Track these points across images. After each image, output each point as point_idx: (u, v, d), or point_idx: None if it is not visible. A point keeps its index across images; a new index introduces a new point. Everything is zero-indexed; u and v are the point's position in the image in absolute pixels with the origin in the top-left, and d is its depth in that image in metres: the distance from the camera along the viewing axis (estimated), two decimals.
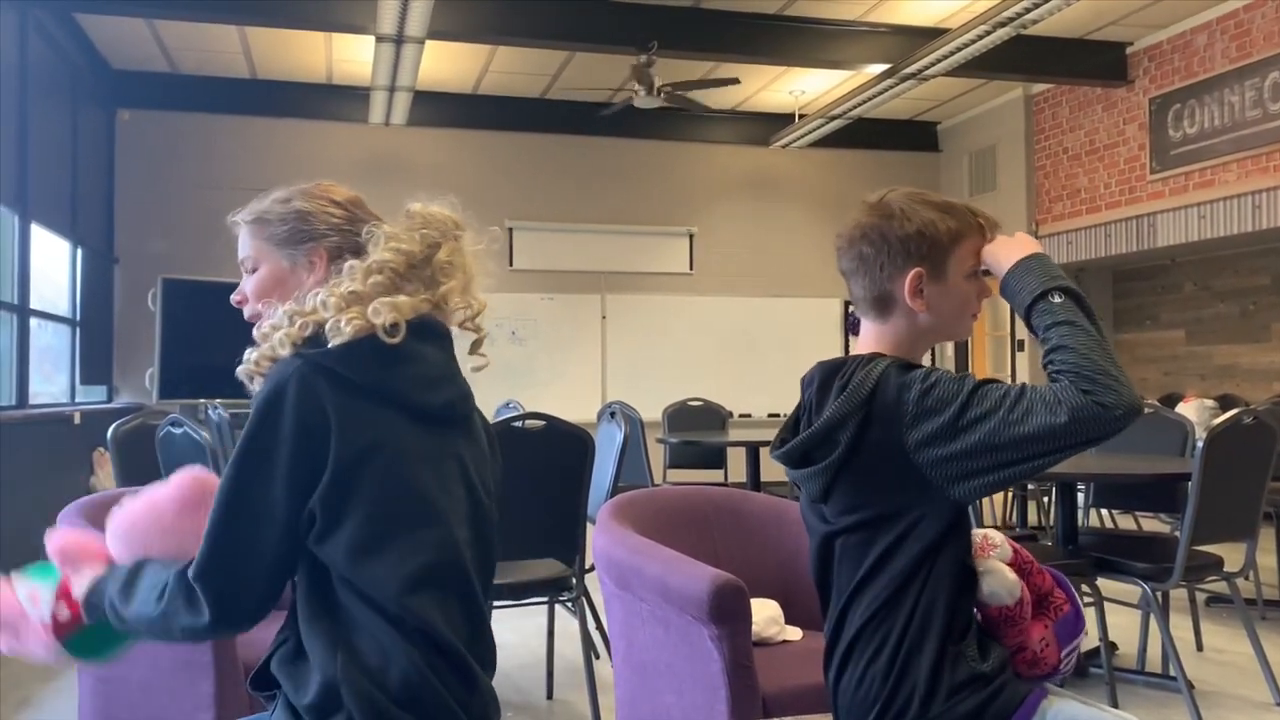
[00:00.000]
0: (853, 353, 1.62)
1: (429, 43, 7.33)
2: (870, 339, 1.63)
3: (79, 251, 7.81)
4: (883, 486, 1.49)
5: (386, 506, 1.30)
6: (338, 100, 9.25)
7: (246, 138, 9.01)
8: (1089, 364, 1.37)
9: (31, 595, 1.40)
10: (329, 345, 1.33)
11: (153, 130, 8.97)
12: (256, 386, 1.35)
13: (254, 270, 1.49)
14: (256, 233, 1.49)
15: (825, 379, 1.58)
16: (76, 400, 7.69)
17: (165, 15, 7.31)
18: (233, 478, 1.29)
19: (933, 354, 10.42)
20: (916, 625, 1.48)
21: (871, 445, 1.48)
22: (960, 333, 1.65)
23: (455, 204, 1.50)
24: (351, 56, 8.42)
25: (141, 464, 3.91)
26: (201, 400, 6.94)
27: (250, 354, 1.38)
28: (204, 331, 7.67)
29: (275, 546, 1.29)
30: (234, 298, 1.51)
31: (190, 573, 1.29)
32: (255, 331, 1.42)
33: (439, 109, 9.39)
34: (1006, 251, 1.55)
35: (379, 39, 7.16)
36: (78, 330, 7.80)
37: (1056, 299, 1.45)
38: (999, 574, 1.56)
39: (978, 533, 1.60)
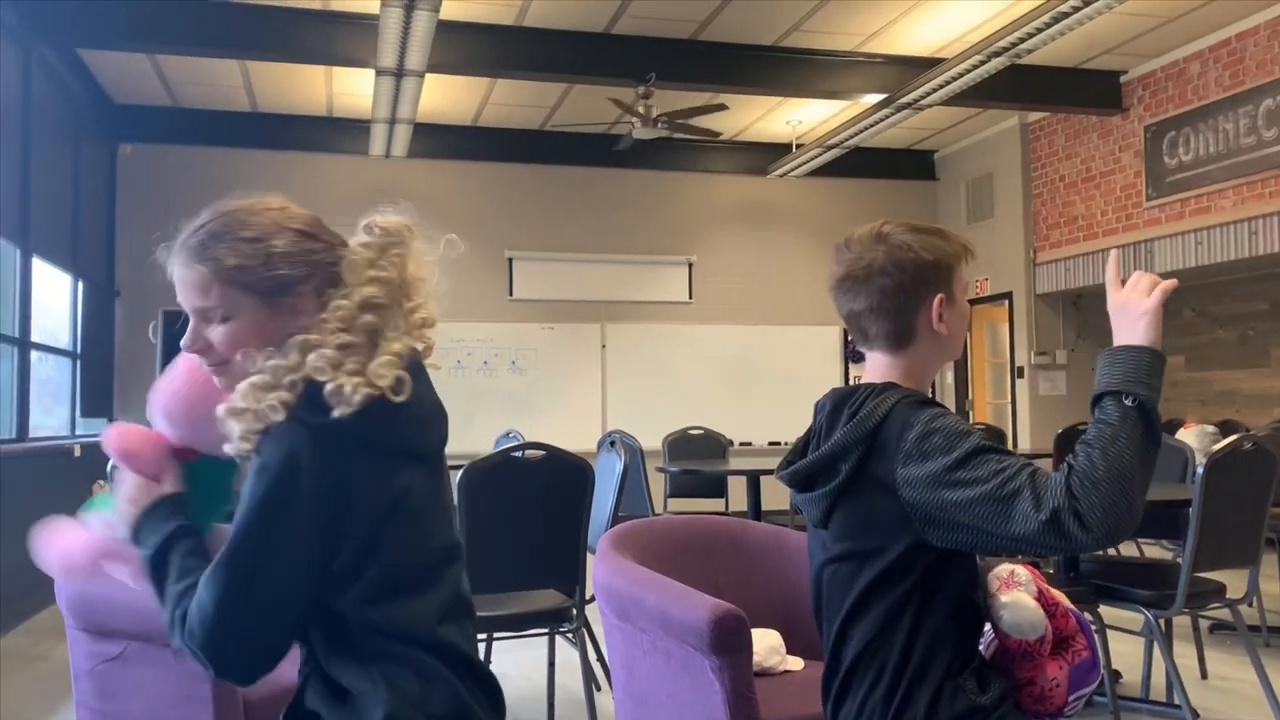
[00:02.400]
0: (864, 381, 1.63)
1: (429, 75, 7.39)
2: (882, 368, 1.63)
3: (80, 284, 7.84)
4: (875, 519, 1.49)
5: (412, 554, 1.32)
6: (338, 133, 9.32)
7: (247, 170, 9.07)
8: (1099, 473, 1.31)
9: (107, 524, 1.41)
10: (334, 413, 1.25)
11: (154, 163, 9.03)
12: (245, 446, 1.28)
13: (224, 320, 1.33)
14: (230, 279, 1.32)
15: (836, 405, 1.59)
16: (77, 433, 7.69)
17: (167, 50, 7.39)
18: (241, 550, 1.23)
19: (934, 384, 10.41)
20: (917, 657, 1.47)
21: (870, 477, 1.49)
22: (959, 353, 1.69)
23: (409, 208, 1.43)
24: (352, 90, 8.49)
25: None
26: None
27: (234, 424, 1.27)
28: None
29: (287, 614, 1.27)
30: (191, 346, 1.34)
31: (186, 636, 1.25)
32: (230, 387, 1.32)
33: (439, 141, 9.46)
34: (1124, 323, 1.43)
35: (379, 72, 7.22)
36: (78, 363, 7.81)
37: (1127, 402, 1.35)
38: (1024, 609, 1.55)
39: (1005, 567, 1.60)
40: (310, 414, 1.26)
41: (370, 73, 7.38)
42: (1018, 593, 1.57)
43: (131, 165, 9.04)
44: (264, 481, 1.24)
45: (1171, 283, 1.41)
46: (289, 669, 1.37)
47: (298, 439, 1.25)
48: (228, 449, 1.30)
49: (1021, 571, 1.60)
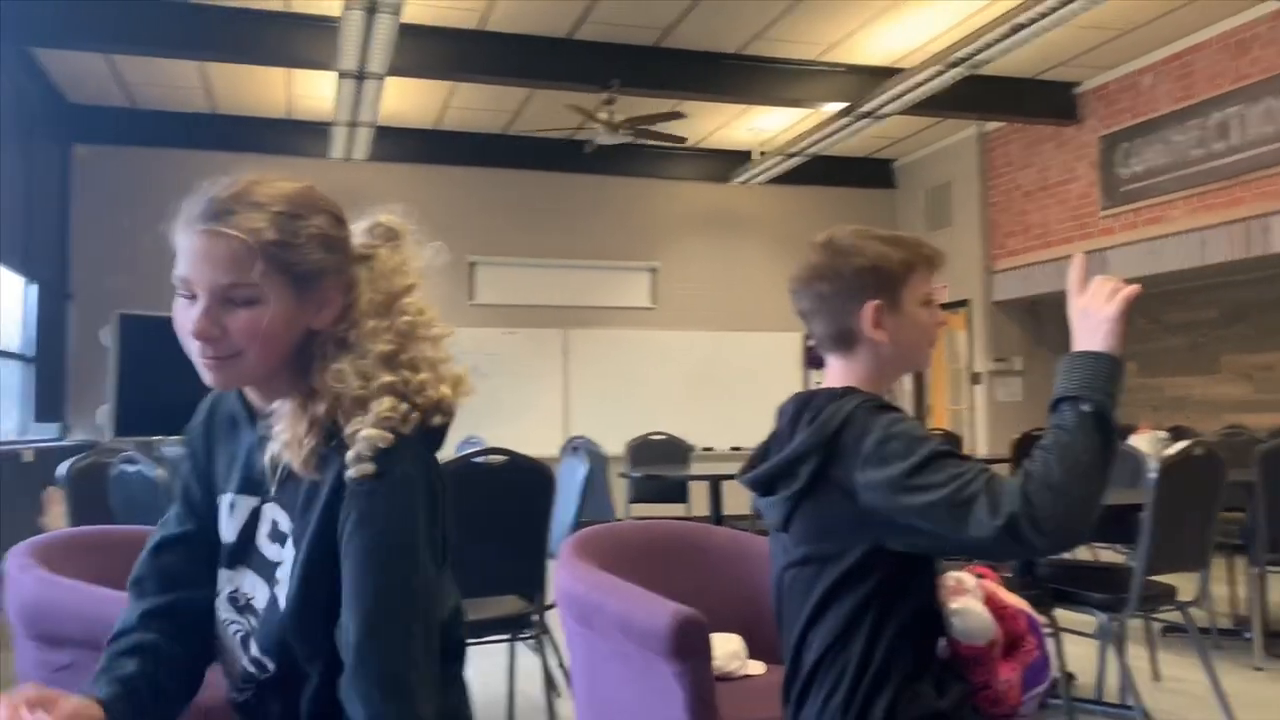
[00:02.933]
0: (824, 385, 1.64)
1: (390, 78, 7.35)
2: (838, 372, 1.65)
3: (33, 288, 7.70)
4: (834, 523, 1.51)
5: (447, 559, 1.28)
6: (298, 135, 9.24)
7: (205, 173, 8.68)
8: (1055, 479, 1.32)
9: None
10: (434, 422, 1.21)
11: (109, 165, 8.89)
12: (368, 469, 1.15)
13: (247, 303, 1.17)
14: (270, 255, 1.16)
15: (798, 410, 1.60)
16: (28, 437, 7.55)
17: (124, 50, 7.29)
18: (400, 574, 1.15)
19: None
20: (877, 662, 1.49)
21: (829, 481, 1.50)
22: (921, 362, 1.68)
23: (401, 210, 1.37)
24: (312, 92, 8.42)
25: (94, 503, 3.84)
26: (157, 437, 6.84)
27: (365, 432, 1.15)
28: (160, 368, 7.55)
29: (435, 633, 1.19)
30: (205, 332, 1.16)
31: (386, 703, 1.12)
32: (230, 385, 1.22)
33: (401, 144, 9.40)
34: (1085, 329, 1.42)
35: (340, 75, 7.17)
36: (31, 367, 7.67)
37: (1085, 408, 1.35)
38: (974, 614, 1.57)
39: (951, 575, 1.61)
40: (424, 427, 1.20)
41: (331, 75, 7.33)
42: (966, 599, 1.59)
43: (87, 167, 8.90)
44: (408, 497, 1.16)
45: (1134, 289, 1.41)
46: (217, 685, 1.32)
47: (422, 454, 1.20)
48: (353, 472, 1.15)
49: (968, 578, 1.62)
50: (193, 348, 1.19)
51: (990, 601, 1.62)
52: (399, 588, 1.14)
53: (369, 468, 1.15)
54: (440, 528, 1.22)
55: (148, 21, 6.72)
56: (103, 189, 8.85)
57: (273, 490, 1.24)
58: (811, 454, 1.51)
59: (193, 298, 1.19)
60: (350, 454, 1.16)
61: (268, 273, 1.16)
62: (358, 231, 1.30)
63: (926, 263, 1.63)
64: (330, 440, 1.19)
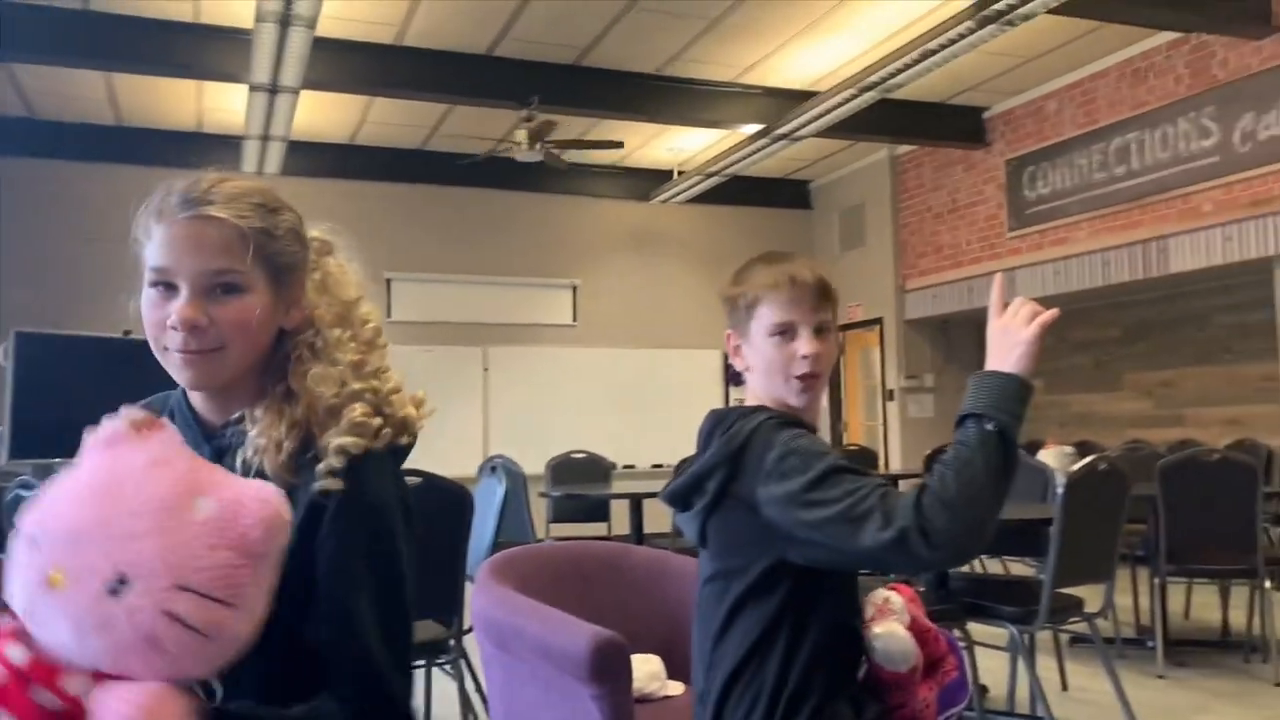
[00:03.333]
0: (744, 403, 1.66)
1: (304, 92, 7.23)
2: (749, 391, 1.70)
3: None
4: (739, 538, 1.53)
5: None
6: (209, 149, 9.01)
7: (111, 187, 8.67)
8: (951, 494, 1.33)
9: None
10: (402, 442, 1.22)
11: (9, 178, 8.56)
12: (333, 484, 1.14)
13: (234, 291, 1.15)
14: (257, 245, 1.15)
15: (713, 426, 1.62)
16: None
17: (22, 59, 7.03)
18: (386, 585, 1.16)
19: None
20: (793, 682, 1.49)
21: (735, 496, 1.52)
22: (785, 393, 1.61)
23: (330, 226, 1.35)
24: (223, 105, 8.24)
25: None
26: (57, 460, 6.58)
27: (338, 440, 1.14)
28: (61, 388, 7.29)
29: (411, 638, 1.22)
30: (191, 321, 1.12)
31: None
32: (209, 384, 1.18)
33: (315, 159, 9.25)
34: (1000, 348, 1.45)
35: (252, 88, 7.03)
36: None
37: (988, 426, 1.37)
38: (897, 639, 1.58)
39: (880, 594, 1.62)
40: (393, 445, 1.20)
41: (243, 88, 7.18)
42: (891, 623, 1.60)
43: None
44: (387, 517, 1.17)
45: (1053, 313, 1.43)
46: None
47: (390, 468, 1.20)
48: (321, 484, 1.13)
49: (896, 599, 1.63)
50: (172, 342, 1.15)
51: (914, 624, 1.63)
52: (385, 601, 1.15)
53: (337, 482, 1.13)
54: (412, 545, 1.22)
55: (47, 29, 6.49)
56: (1, 202, 8.52)
57: None
58: (718, 469, 1.53)
59: (169, 289, 1.15)
60: (322, 466, 1.14)
61: (254, 263, 1.15)
62: None
63: (773, 291, 1.60)
64: (306, 451, 1.16)
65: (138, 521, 0.94)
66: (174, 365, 1.17)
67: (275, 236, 1.17)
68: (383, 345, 1.27)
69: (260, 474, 1.16)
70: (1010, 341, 1.43)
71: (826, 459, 1.45)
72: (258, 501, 0.98)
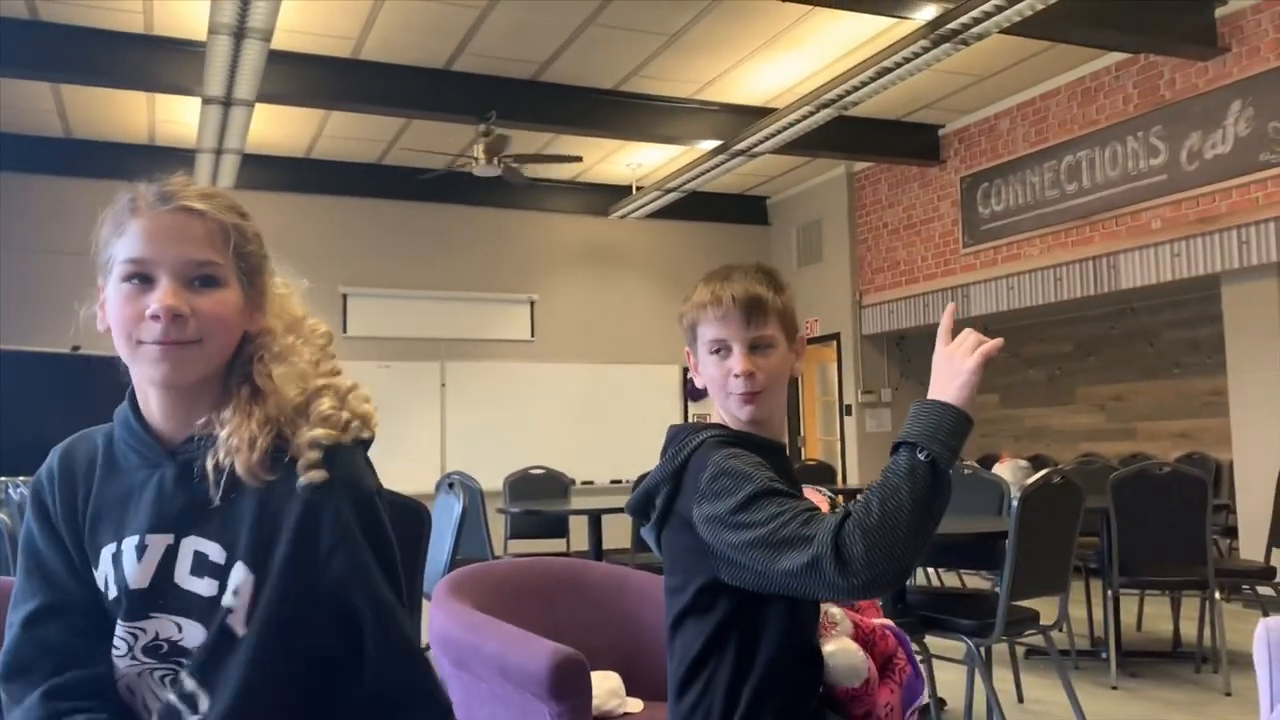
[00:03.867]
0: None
1: (259, 105, 7.16)
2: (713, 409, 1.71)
3: None
4: (681, 553, 1.54)
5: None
6: (161, 162, 8.70)
7: (60, 199, 8.53)
8: (872, 521, 1.31)
9: None
10: (364, 436, 1.26)
11: None
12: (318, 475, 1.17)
13: (213, 284, 1.16)
14: (236, 242, 1.19)
15: (668, 442, 1.62)
16: None
17: None
18: (387, 579, 1.20)
19: None
20: (745, 702, 1.47)
21: (676, 513, 1.53)
22: (730, 408, 1.60)
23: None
24: (176, 117, 8.14)
25: None
26: (1, 478, 6.43)
27: (310, 434, 1.18)
28: (7, 404, 7.14)
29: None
30: (173, 310, 1.13)
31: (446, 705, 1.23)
32: (187, 379, 1.17)
33: (270, 173, 9.15)
34: (942, 377, 1.41)
35: (206, 101, 6.95)
36: None
37: (921, 456, 1.34)
38: (845, 654, 1.58)
39: (824, 610, 1.62)
40: (360, 438, 1.25)
41: (196, 101, 7.09)
42: (837, 639, 1.59)
43: None
44: (376, 504, 1.21)
45: (996, 344, 1.41)
46: None
47: (363, 458, 1.24)
48: (307, 478, 1.17)
49: (834, 611, 1.63)
50: (149, 333, 1.14)
51: (857, 632, 1.63)
52: (395, 588, 1.19)
53: (321, 473, 1.16)
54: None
55: None
56: None
57: (216, 500, 1.16)
58: (662, 485, 1.55)
59: (145, 282, 1.15)
60: (302, 462, 1.17)
61: (232, 259, 1.18)
62: None
63: (703, 312, 1.60)
64: (280, 451, 1.18)
65: None
66: (148, 359, 1.15)
67: (245, 235, 1.20)
68: (333, 354, 1.30)
69: (232, 475, 1.15)
70: (952, 370, 1.39)
71: (755, 481, 1.43)
72: None
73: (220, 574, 1.16)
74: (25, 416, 7.06)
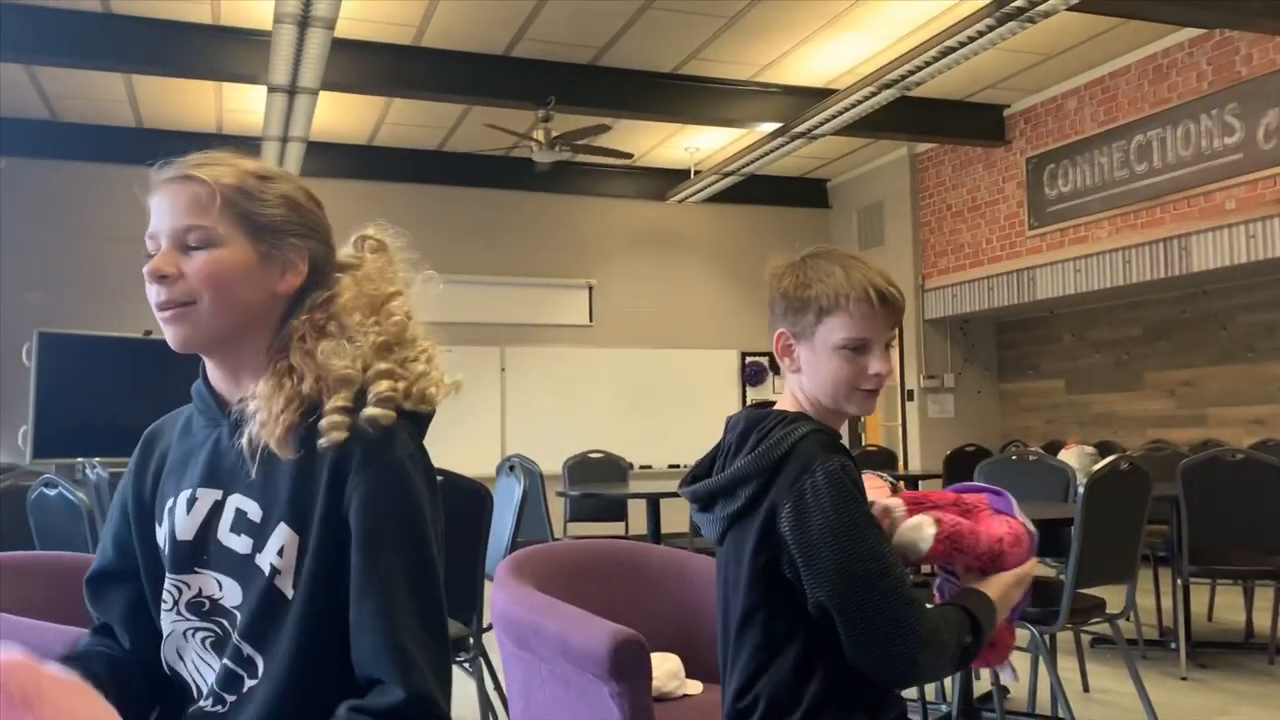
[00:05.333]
0: (776, 406, 1.60)
1: (323, 93, 7.26)
2: (785, 393, 1.63)
3: None
4: (760, 547, 1.49)
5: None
6: (228, 151, 9.05)
7: (132, 189, 8.72)
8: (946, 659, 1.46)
9: None
10: (419, 411, 1.23)
11: (31, 179, 8.65)
12: (338, 436, 1.14)
13: (205, 245, 1.17)
14: (227, 200, 1.19)
15: (747, 428, 1.57)
16: None
17: (45, 62, 7.10)
18: (419, 567, 1.14)
19: None
20: (812, 691, 1.46)
21: (766, 506, 1.49)
22: (849, 407, 1.56)
23: (386, 225, 1.41)
24: (243, 106, 8.28)
25: (12, 527, 3.71)
26: (79, 459, 6.64)
27: (366, 412, 1.16)
28: (83, 388, 7.36)
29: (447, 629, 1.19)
30: (159, 271, 1.16)
31: (411, 695, 1.08)
32: (189, 342, 1.18)
33: (334, 160, 9.29)
34: (1005, 589, 1.58)
35: (271, 89, 7.07)
36: None
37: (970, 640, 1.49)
38: (906, 531, 1.52)
39: (878, 506, 1.53)
40: (413, 410, 1.21)
41: (262, 89, 7.22)
42: (901, 530, 1.53)
43: (7, 180, 8.64)
44: (410, 483, 1.17)
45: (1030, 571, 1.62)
46: None
47: (411, 435, 1.20)
48: (327, 439, 1.14)
49: (891, 503, 1.54)
50: (151, 297, 1.18)
51: (917, 507, 1.57)
52: (413, 567, 1.14)
53: (340, 434, 1.14)
54: (442, 526, 1.22)
55: (69, 32, 6.55)
56: (23, 203, 8.59)
57: (253, 473, 1.18)
58: (753, 478, 1.49)
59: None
60: (324, 423, 1.15)
61: (225, 217, 1.18)
62: (346, 245, 1.33)
63: (848, 305, 1.51)
64: (309, 418, 1.17)
65: None
66: (160, 325, 1.20)
67: (257, 197, 1.21)
68: (410, 339, 1.27)
69: (266, 448, 1.17)
70: (1006, 599, 1.58)
71: (858, 525, 1.43)
72: None
73: (255, 532, 1.17)
74: (100, 400, 7.27)
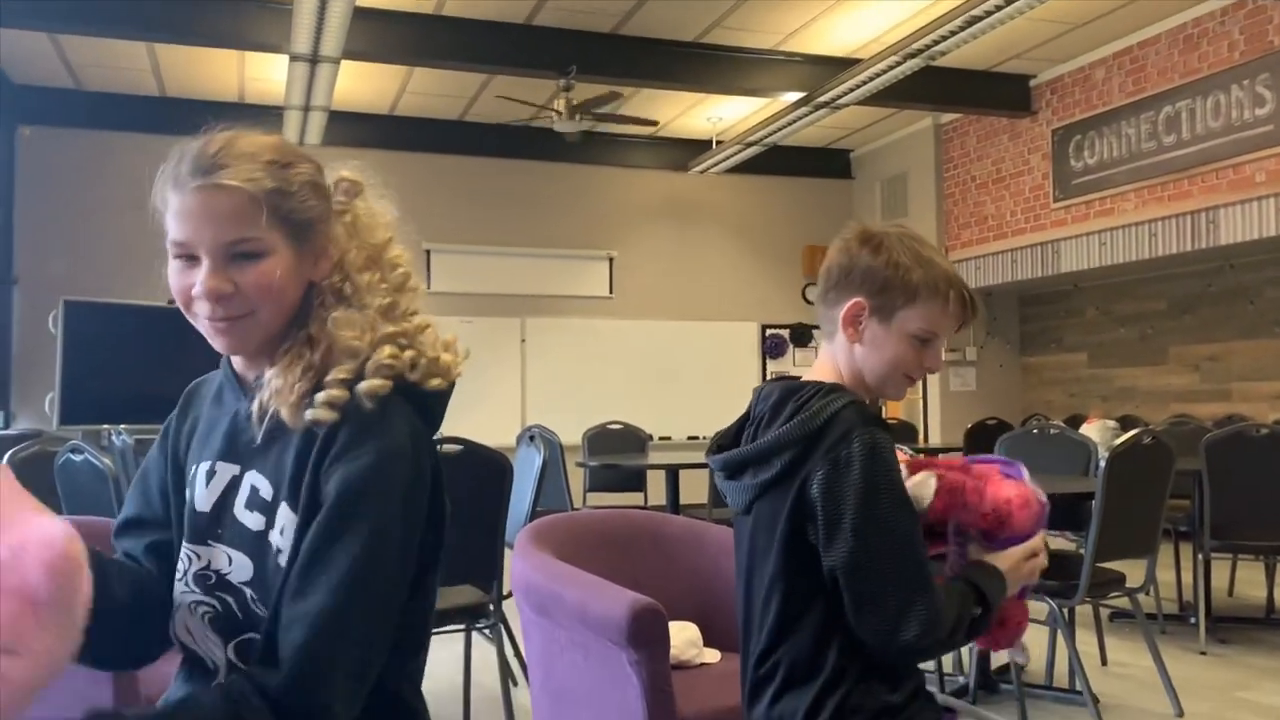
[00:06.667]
0: (806, 376, 1.60)
1: (345, 62, 7.25)
2: (822, 364, 1.63)
3: None
4: (789, 514, 1.50)
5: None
6: (250, 119, 8.77)
7: (154, 157, 8.66)
8: (944, 636, 1.46)
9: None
10: (428, 387, 1.19)
11: (56, 147, 8.69)
12: (326, 415, 1.12)
13: (254, 256, 1.13)
14: (272, 206, 1.14)
15: (782, 398, 1.56)
16: None
17: (69, 30, 7.12)
18: (360, 554, 1.07)
19: None
20: (832, 656, 1.47)
21: (796, 474, 1.48)
22: (888, 389, 1.60)
23: (358, 165, 1.33)
24: (265, 75, 8.29)
25: (39, 492, 3.74)
26: (105, 426, 6.71)
27: (363, 385, 1.13)
28: (108, 355, 7.43)
29: (385, 642, 1.12)
30: (216, 291, 1.12)
31: (284, 686, 1.04)
32: (242, 349, 1.18)
33: (355, 129, 9.28)
34: (1014, 563, 1.60)
35: (293, 58, 7.06)
36: None
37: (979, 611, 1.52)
38: (908, 489, 1.52)
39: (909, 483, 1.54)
40: (416, 386, 1.18)
41: (284, 58, 7.21)
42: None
43: (31, 149, 8.69)
44: (386, 475, 1.11)
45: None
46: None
47: (407, 416, 1.16)
48: (312, 413, 1.11)
49: (922, 476, 1.55)
50: (200, 310, 1.15)
51: (916, 468, 1.57)
52: (362, 566, 1.08)
53: (329, 413, 1.12)
54: (425, 512, 1.17)
55: (93, 1, 6.56)
56: (48, 172, 8.65)
57: (258, 440, 1.18)
58: (790, 447, 1.48)
59: (191, 260, 1.15)
60: (320, 395, 1.13)
61: (269, 224, 1.13)
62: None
63: (942, 301, 1.56)
64: (319, 389, 1.15)
65: None
66: (207, 333, 1.18)
67: (290, 194, 1.16)
68: (414, 288, 1.26)
69: (276, 417, 1.16)
70: (1016, 574, 1.60)
71: (897, 488, 1.45)
72: (41, 545, 0.88)
73: (267, 509, 1.17)
74: (125, 368, 7.34)
